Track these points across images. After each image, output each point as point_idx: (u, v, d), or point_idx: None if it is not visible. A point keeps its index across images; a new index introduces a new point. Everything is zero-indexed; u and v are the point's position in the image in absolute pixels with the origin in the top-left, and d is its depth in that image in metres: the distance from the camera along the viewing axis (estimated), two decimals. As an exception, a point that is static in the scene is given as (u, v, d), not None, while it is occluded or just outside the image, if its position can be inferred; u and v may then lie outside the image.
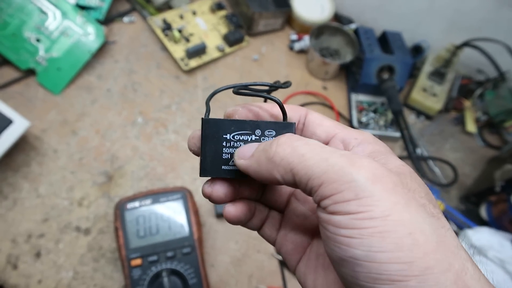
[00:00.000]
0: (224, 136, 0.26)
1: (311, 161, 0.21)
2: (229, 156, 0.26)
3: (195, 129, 0.27)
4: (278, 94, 0.79)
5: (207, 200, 0.28)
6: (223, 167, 0.26)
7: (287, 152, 0.22)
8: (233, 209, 0.26)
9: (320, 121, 0.27)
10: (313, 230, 0.28)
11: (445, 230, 0.20)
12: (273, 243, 0.29)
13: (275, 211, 0.30)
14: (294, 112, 0.28)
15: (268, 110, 0.28)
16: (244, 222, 0.27)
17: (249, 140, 0.26)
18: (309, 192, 0.22)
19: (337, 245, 0.20)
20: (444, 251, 0.19)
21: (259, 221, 0.29)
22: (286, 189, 0.30)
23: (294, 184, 0.22)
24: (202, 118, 0.26)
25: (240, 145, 0.26)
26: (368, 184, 0.19)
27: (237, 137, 0.26)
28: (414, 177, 0.22)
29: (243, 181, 0.27)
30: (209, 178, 0.27)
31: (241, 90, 0.27)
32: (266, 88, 0.29)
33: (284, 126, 0.26)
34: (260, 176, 0.24)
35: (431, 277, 0.18)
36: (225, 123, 0.26)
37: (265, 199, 0.30)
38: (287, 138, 0.23)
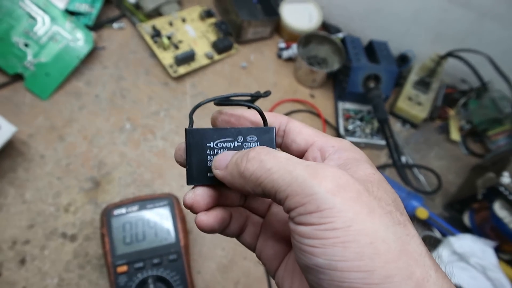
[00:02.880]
0: (207, 144, 0.27)
1: (276, 175, 0.22)
2: None
3: (181, 142, 0.28)
4: (267, 101, 0.80)
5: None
6: (208, 174, 0.27)
7: (255, 168, 0.23)
8: (205, 217, 0.26)
9: (300, 129, 0.28)
10: None
11: (409, 238, 0.20)
12: (253, 249, 0.30)
13: (256, 216, 0.30)
14: (275, 119, 0.28)
15: (250, 118, 0.29)
16: (218, 230, 0.28)
17: (232, 146, 0.27)
18: (279, 203, 0.22)
19: (302, 253, 0.21)
20: (406, 259, 0.19)
21: (237, 228, 0.29)
22: None
23: (265, 196, 0.23)
24: (185, 129, 0.27)
25: (224, 152, 0.27)
26: (329, 196, 0.20)
27: (220, 145, 0.27)
28: (382, 185, 0.23)
29: (225, 189, 0.28)
30: (191, 188, 0.27)
31: (222, 101, 0.28)
32: (248, 98, 0.29)
33: (264, 131, 0.27)
34: (235, 187, 0.25)
35: (391, 286, 0.18)
36: (208, 132, 0.27)
37: (247, 205, 0.30)
38: (256, 153, 0.24)
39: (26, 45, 0.72)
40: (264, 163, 0.23)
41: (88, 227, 0.62)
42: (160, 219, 0.58)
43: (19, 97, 0.71)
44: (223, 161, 0.25)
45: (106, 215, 0.57)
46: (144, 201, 0.59)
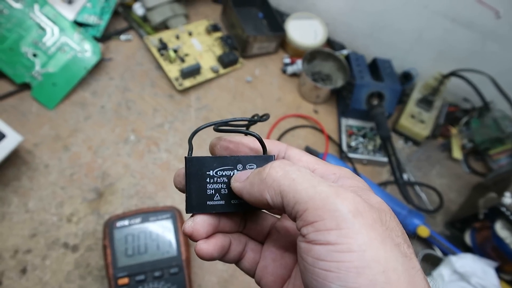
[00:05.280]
0: (207, 172, 0.27)
1: (300, 186, 0.22)
2: (213, 191, 0.27)
3: (180, 168, 0.28)
4: (270, 117, 0.80)
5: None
6: (208, 202, 0.27)
7: (279, 175, 0.23)
8: (205, 246, 0.26)
9: (299, 157, 0.28)
10: (293, 263, 0.29)
11: (415, 271, 0.21)
12: (252, 275, 0.30)
13: (256, 242, 0.30)
14: (274, 146, 0.29)
15: (249, 144, 0.29)
16: (218, 258, 0.28)
17: (231, 175, 0.27)
18: (294, 216, 0.22)
19: (314, 278, 0.21)
20: None
21: (236, 255, 0.29)
22: (268, 221, 0.31)
23: (282, 206, 0.23)
24: (185, 157, 0.27)
25: (224, 180, 0.27)
26: (350, 216, 0.20)
27: (220, 173, 0.27)
28: (393, 216, 0.23)
29: (224, 216, 0.28)
30: (190, 216, 0.28)
31: (221, 127, 0.28)
32: (246, 122, 0.30)
33: (264, 159, 0.28)
34: (252, 197, 0.25)
35: None
36: (208, 160, 0.27)
37: (247, 231, 0.30)
38: (280, 163, 0.24)
39: (34, 55, 0.73)
40: (289, 173, 0.23)
41: (90, 238, 0.62)
42: (162, 232, 0.58)
43: (25, 106, 0.71)
44: (243, 175, 0.26)
45: (109, 227, 0.57)
46: (147, 214, 0.59)
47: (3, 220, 0.61)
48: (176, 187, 0.29)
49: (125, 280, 0.54)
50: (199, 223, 0.27)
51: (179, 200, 0.68)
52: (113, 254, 0.55)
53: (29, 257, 0.59)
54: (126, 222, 0.58)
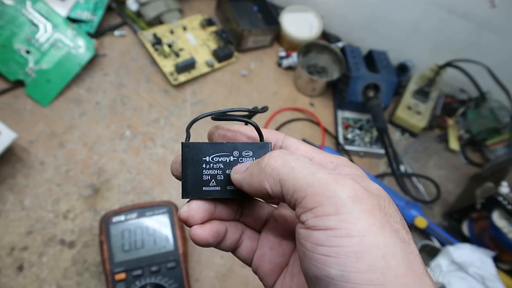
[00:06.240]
0: (203, 158, 0.27)
1: (299, 174, 0.22)
2: (209, 177, 0.27)
3: (177, 155, 0.28)
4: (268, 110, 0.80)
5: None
6: (204, 188, 0.27)
7: (278, 164, 0.23)
8: (200, 230, 0.26)
9: (297, 146, 0.28)
10: (290, 251, 0.29)
11: (413, 256, 0.21)
12: (249, 263, 0.30)
13: (253, 231, 0.30)
14: (271, 135, 0.29)
15: (247, 133, 0.29)
16: (213, 244, 0.28)
17: (227, 161, 0.27)
18: (294, 204, 0.22)
19: (313, 263, 0.21)
20: (413, 276, 0.20)
21: (233, 243, 0.29)
22: (265, 210, 0.30)
23: (281, 195, 0.23)
24: (182, 142, 0.27)
25: (220, 166, 0.27)
26: (349, 202, 0.20)
27: (216, 159, 0.27)
28: (391, 202, 0.23)
29: (221, 203, 0.28)
30: (186, 202, 0.28)
31: (219, 116, 0.28)
32: (245, 113, 0.30)
33: (260, 146, 0.28)
34: (252, 187, 0.25)
35: None
36: (204, 146, 0.27)
37: (243, 219, 0.30)
38: (279, 152, 0.24)
39: (27, 52, 0.72)
40: (288, 162, 0.23)
41: (86, 234, 0.62)
42: (159, 226, 0.58)
43: (20, 103, 0.71)
44: (243, 166, 0.26)
45: (105, 222, 0.57)
46: (143, 209, 0.59)
47: (-1, 217, 0.61)
48: (173, 175, 0.29)
49: (122, 276, 0.54)
50: (195, 208, 0.27)
51: (175, 195, 0.67)
52: (110, 250, 0.55)
53: (26, 254, 0.59)
54: (122, 218, 0.57)
